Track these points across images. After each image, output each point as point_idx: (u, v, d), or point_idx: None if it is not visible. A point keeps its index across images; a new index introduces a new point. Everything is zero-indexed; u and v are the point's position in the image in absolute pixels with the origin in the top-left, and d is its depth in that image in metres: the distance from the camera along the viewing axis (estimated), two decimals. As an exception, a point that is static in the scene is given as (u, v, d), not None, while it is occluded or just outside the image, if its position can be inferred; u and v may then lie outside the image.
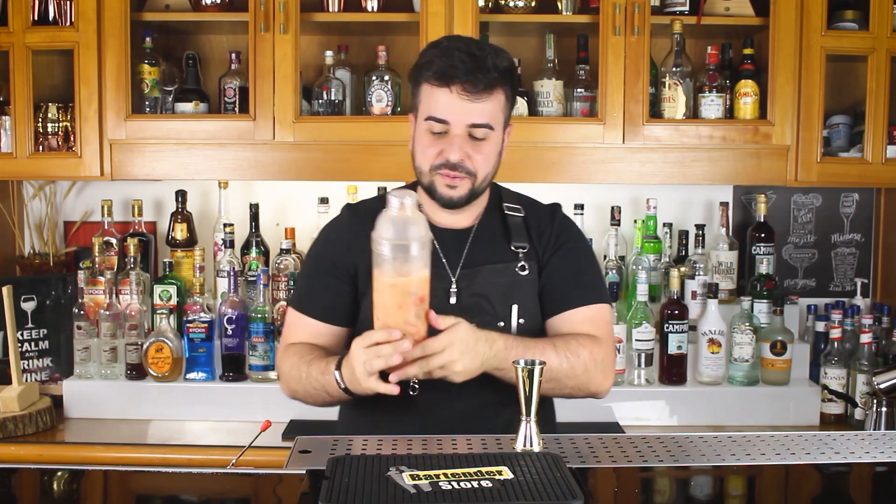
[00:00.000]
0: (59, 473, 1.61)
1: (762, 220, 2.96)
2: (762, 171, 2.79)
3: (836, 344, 2.82)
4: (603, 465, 1.58)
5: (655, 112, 2.82)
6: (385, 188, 2.67)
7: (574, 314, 1.89)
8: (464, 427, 1.80)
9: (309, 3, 2.79)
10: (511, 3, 2.82)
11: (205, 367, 2.79)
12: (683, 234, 3.00)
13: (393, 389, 1.65)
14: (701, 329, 2.79)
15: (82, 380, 2.80)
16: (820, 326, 2.94)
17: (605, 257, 2.89)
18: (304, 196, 3.02)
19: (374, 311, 1.64)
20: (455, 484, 1.33)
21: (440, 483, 1.33)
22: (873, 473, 1.61)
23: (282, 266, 2.87)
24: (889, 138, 2.79)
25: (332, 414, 2.03)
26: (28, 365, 2.86)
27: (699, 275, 2.86)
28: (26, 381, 2.76)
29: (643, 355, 2.77)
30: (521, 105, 2.82)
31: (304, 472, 1.51)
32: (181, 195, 2.99)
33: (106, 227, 2.97)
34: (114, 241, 2.96)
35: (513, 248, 1.91)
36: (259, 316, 2.75)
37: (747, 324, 2.77)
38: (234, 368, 2.78)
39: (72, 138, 2.84)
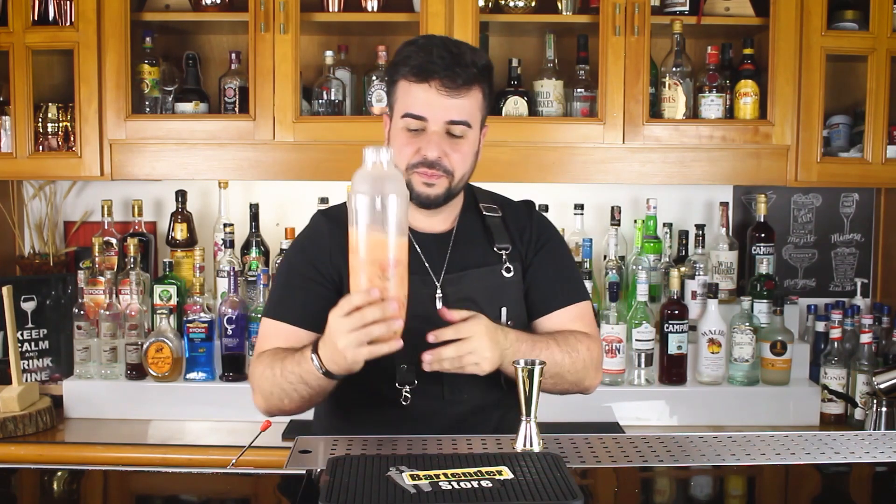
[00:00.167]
0: (59, 473, 1.60)
1: (762, 220, 2.96)
2: (762, 171, 2.79)
3: (836, 344, 2.82)
4: (603, 465, 1.58)
5: (655, 112, 2.82)
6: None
7: (563, 313, 1.90)
8: (456, 432, 1.78)
9: (309, 3, 2.79)
10: (511, 3, 2.82)
11: (205, 367, 2.79)
12: (683, 234, 3.00)
13: (395, 345, 1.53)
14: (701, 329, 2.79)
15: (82, 380, 2.80)
16: (820, 326, 2.94)
17: (605, 257, 2.89)
18: (304, 196, 3.02)
19: (351, 275, 1.53)
20: (455, 484, 1.33)
21: (440, 483, 1.33)
22: (873, 473, 1.61)
23: (282, 266, 2.87)
24: (889, 138, 2.79)
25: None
26: (28, 365, 2.86)
27: (699, 275, 2.87)
28: (26, 381, 2.76)
29: (643, 355, 2.77)
30: (522, 105, 2.82)
31: (304, 472, 1.51)
32: (181, 195, 2.99)
33: (106, 227, 2.97)
34: (114, 241, 2.96)
35: (496, 249, 1.88)
36: (259, 316, 2.75)
37: (747, 324, 2.77)
38: (235, 368, 2.78)
39: (72, 138, 2.84)
